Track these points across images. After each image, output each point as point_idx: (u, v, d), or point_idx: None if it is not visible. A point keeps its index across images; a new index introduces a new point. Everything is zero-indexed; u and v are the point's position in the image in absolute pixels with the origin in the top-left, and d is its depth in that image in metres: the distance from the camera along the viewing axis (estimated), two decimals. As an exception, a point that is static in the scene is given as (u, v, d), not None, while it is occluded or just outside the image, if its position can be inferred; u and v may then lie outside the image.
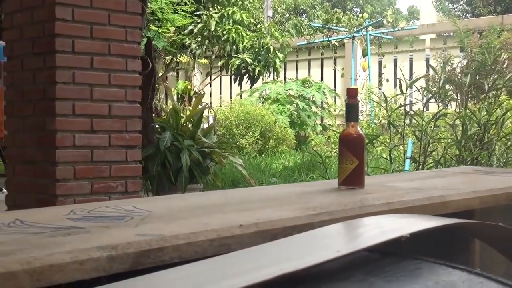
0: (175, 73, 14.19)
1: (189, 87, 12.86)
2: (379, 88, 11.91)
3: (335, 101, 12.74)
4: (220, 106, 12.84)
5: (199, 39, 11.23)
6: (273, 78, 12.99)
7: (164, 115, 5.73)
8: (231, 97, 14.21)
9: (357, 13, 24.94)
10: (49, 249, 1.00)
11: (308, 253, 1.16)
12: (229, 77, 12.28)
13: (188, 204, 1.56)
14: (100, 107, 4.10)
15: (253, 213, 1.35)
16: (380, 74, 13.51)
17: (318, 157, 6.10)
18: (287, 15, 26.92)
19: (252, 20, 12.19)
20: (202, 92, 11.91)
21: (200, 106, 5.71)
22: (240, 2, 11.68)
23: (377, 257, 1.26)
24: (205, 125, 6.35)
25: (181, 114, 5.59)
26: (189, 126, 5.27)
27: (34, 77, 4.06)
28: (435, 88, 5.86)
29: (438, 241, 1.70)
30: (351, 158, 1.82)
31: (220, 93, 15.01)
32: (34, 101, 4.06)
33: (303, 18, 26.33)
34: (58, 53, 3.91)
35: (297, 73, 14.61)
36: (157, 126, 5.12)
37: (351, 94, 1.87)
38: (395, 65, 13.57)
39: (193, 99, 12.44)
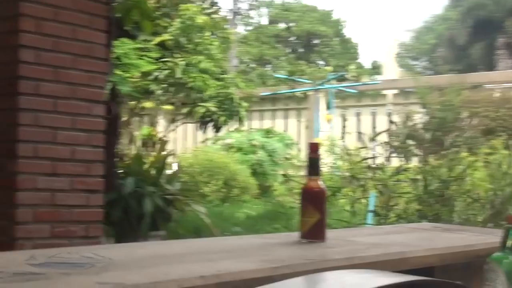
0: (140, 119, 14.16)
1: (153, 132, 12.83)
2: (342, 141, 12.04)
3: (299, 151, 12.83)
4: (184, 153, 12.81)
5: (164, 85, 11.24)
6: (237, 127, 13.05)
7: (128, 161, 5.71)
8: (195, 144, 14.21)
9: (321, 66, 25.31)
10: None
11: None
12: (193, 124, 12.29)
13: (148, 253, 1.55)
14: (63, 151, 4.07)
15: (214, 264, 1.35)
16: (343, 126, 13.65)
17: (281, 207, 6.12)
18: (252, 64, 27.19)
19: (217, 69, 12.26)
20: (166, 139, 11.89)
21: (164, 153, 5.71)
22: (206, 52, 11.76)
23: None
24: (169, 172, 6.33)
25: (144, 160, 5.58)
26: (153, 172, 5.25)
27: (-4, 118, 4.02)
28: (397, 143, 5.95)
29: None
30: (312, 212, 1.84)
31: (185, 140, 14.99)
32: (-3, 142, 4.02)
33: (267, 68, 26.64)
34: (22, 95, 3.89)
35: (261, 122, 14.71)
36: (120, 171, 5.09)
37: (313, 148, 1.90)
38: (358, 119, 13.74)
39: (156, 145, 12.39)
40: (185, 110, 11.87)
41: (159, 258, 1.45)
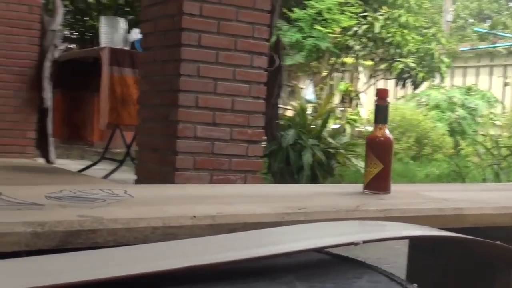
0: (339, 74, 14.17)
1: (350, 88, 12.79)
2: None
3: (503, 110, 12.13)
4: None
5: (363, 40, 11.13)
6: (436, 84, 12.60)
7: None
8: (393, 101, 13.98)
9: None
10: (-22, 219, 1.04)
11: (252, 247, 1.12)
12: (392, 80, 12.05)
13: (183, 193, 1.55)
14: (223, 101, 4.18)
15: (228, 207, 1.31)
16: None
17: (465, 168, 5.84)
18: (470, 20, 25.93)
19: (423, 24, 11.86)
20: (363, 94, 11.79)
21: (330, 106, 5.67)
22: (407, 5, 11.43)
23: (326, 260, 1.20)
24: (335, 126, 6.24)
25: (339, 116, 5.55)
26: (318, 125, 5.23)
27: (163, 68, 4.22)
28: None
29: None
30: (375, 162, 1.73)
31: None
32: (162, 92, 4.22)
33: (487, 24, 25.24)
34: (184, 46, 4.03)
35: (464, 79, 14.06)
36: (283, 123, 5.14)
37: (381, 95, 1.78)
38: None
39: (353, 100, 12.34)
40: (383, 65, 11.68)
41: (185, 198, 1.46)
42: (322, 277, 1.10)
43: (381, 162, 1.73)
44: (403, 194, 1.78)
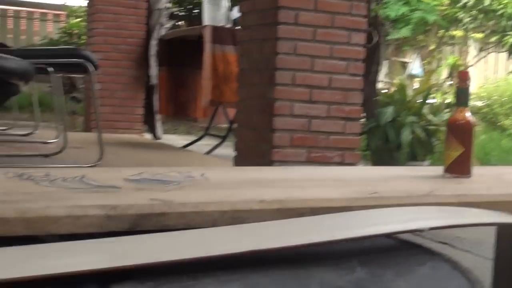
0: (449, 48, 13.78)
1: (458, 62, 12.43)
2: None
3: None
4: (485, 84, 12.23)
5: (472, 12, 10.77)
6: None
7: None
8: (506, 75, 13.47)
9: None
10: (56, 202, 1.11)
11: (317, 232, 1.14)
12: (504, 53, 11.63)
13: (258, 177, 1.58)
14: (320, 78, 4.18)
15: (300, 191, 1.34)
16: None
17: None
18: None
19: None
20: (473, 68, 11.44)
21: (430, 82, 5.54)
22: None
23: (392, 246, 1.21)
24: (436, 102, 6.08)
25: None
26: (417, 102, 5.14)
27: (260, 47, 4.26)
28: None
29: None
30: (456, 145, 1.70)
31: (496, 71, 14.25)
32: (260, 70, 4.27)
33: None
34: (281, 24, 4.06)
35: None
36: (381, 100, 5.08)
37: (462, 77, 1.73)
38: None
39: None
40: (494, 38, 11.28)
41: (259, 182, 1.49)
42: (383, 263, 1.11)
43: (461, 145, 1.71)
44: (485, 178, 1.75)
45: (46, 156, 4.14)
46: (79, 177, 1.37)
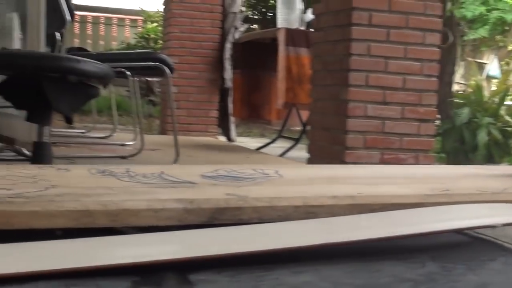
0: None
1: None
2: None
3: None
4: None
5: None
6: None
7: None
8: None
9: None
10: (136, 196, 1.16)
11: (389, 226, 1.16)
12: None
13: (330, 174, 1.60)
14: (394, 80, 4.17)
15: (369, 188, 1.36)
16: None
17: None
18: None
19: None
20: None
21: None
22: None
23: (464, 241, 1.21)
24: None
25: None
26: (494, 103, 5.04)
27: (334, 48, 4.28)
28: None
29: None
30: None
31: None
32: (333, 72, 4.29)
33: None
34: (355, 25, 4.06)
35: None
36: (457, 101, 5.01)
37: None
38: None
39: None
40: None
41: (331, 179, 1.51)
42: (454, 257, 1.12)
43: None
44: None
45: (123, 157, 4.26)
46: (158, 173, 1.43)
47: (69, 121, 3.41)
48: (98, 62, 3.46)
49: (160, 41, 10.74)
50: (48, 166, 1.75)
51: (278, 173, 1.52)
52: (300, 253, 1.09)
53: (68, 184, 1.35)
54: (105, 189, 1.26)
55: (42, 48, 4.15)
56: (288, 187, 1.36)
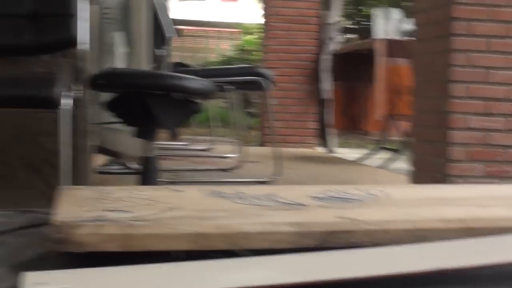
0: None
1: None
2: None
3: None
4: None
5: None
6: None
7: None
8: None
9: None
10: (250, 219, 1.21)
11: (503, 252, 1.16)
12: None
13: (436, 195, 1.60)
14: (497, 90, 4.08)
15: (478, 210, 1.35)
16: None
17: None
18: None
19: None
20: None
21: None
22: None
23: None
24: None
25: None
26: None
27: (434, 59, 4.23)
28: None
29: None
30: None
31: None
32: (433, 83, 4.24)
33: None
34: (454, 36, 4.01)
35: None
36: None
37: None
38: None
39: None
40: None
41: (439, 200, 1.51)
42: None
43: None
44: None
45: (224, 170, 4.35)
46: (267, 195, 1.47)
47: (174, 136, 3.52)
48: (201, 78, 3.56)
49: (256, 53, 10.87)
50: (163, 187, 1.82)
51: (384, 193, 1.54)
52: (411, 279, 1.10)
53: (183, 206, 1.42)
54: (220, 211, 1.32)
55: (146, 65, 4.31)
56: (395, 209, 1.37)
